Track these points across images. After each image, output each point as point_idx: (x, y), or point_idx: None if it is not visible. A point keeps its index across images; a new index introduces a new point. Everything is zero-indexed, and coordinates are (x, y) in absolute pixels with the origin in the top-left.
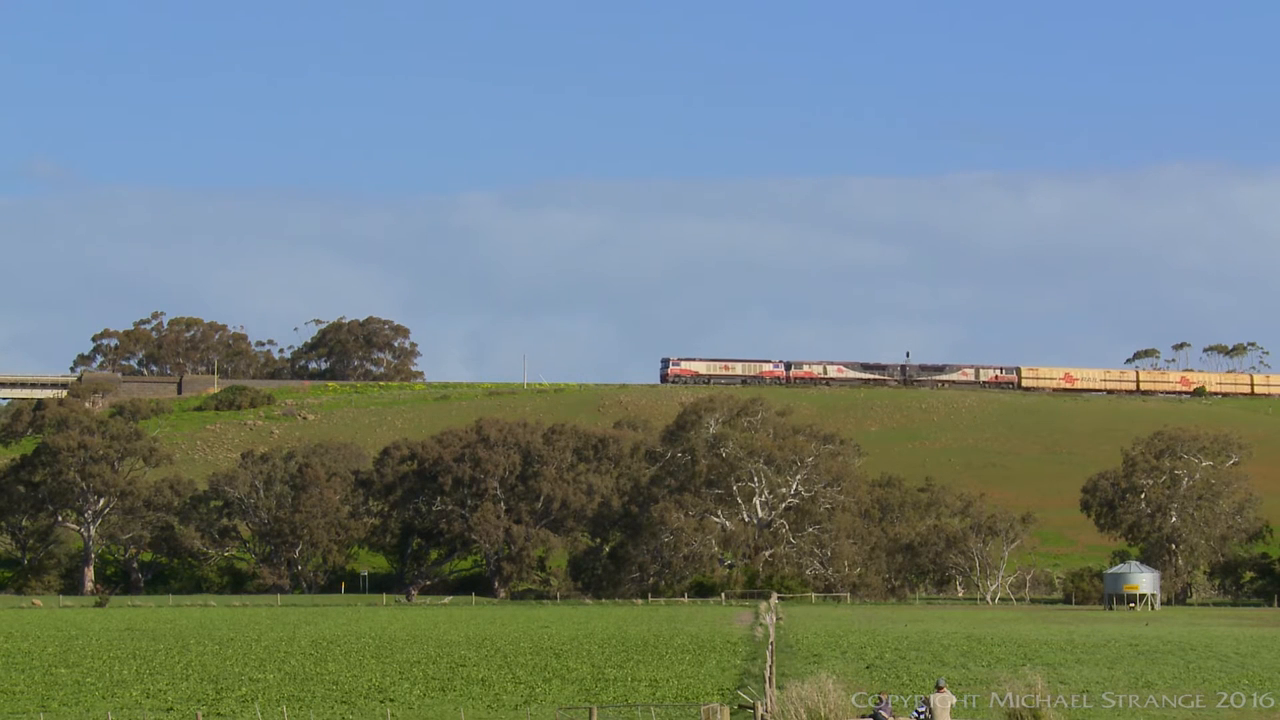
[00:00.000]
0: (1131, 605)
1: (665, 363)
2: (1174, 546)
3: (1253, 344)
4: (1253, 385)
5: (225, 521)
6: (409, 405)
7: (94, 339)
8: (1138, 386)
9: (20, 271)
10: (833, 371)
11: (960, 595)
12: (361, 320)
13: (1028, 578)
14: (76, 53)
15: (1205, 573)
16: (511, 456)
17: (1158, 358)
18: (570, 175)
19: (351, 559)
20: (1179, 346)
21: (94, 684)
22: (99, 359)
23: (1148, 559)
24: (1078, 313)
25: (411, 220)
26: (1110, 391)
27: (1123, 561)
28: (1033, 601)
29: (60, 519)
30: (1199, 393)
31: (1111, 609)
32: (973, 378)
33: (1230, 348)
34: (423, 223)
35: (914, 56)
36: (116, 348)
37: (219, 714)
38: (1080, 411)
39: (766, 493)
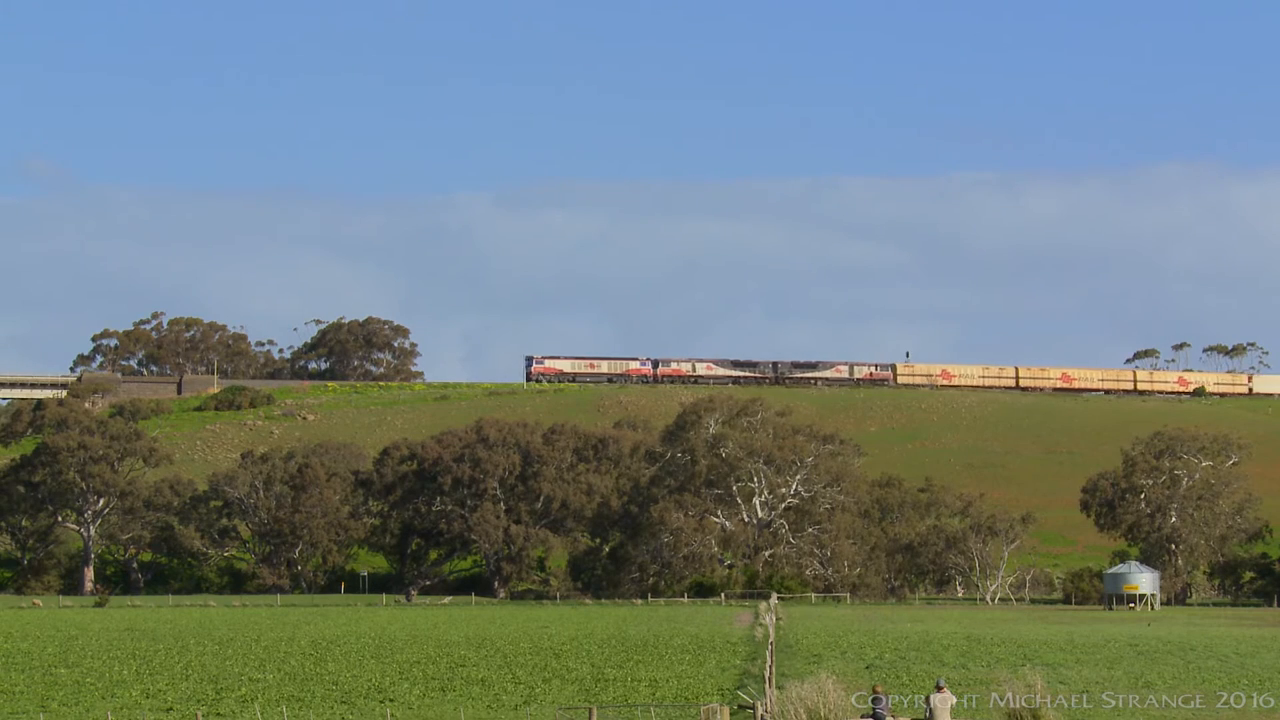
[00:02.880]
0: (1131, 605)
1: (529, 361)
2: (1174, 546)
3: (1252, 344)
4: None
5: (225, 522)
6: (409, 405)
7: (94, 339)
8: (1025, 382)
9: (19, 272)
10: (701, 369)
11: (960, 595)
12: (361, 320)
13: (1027, 578)
14: (73, 53)
15: (1205, 573)
16: (511, 457)
17: (1158, 358)
18: (566, 175)
19: (351, 559)
20: (1179, 347)
21: (94, 684)
22: (99, 359)
23: (1147, 559)
24: (1075, 313)
25: (408, 220)
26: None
27: (1122, 562)
28: (1032, 602)
29: (60, 519)
30: (1198, 393)
31: (1111, 609)
32: (846, 375)
33: (1230, 348)
34: (419, 223)
35: (910, 57)
36: (116, 348)
37: (219, 714)
38: (1080, 412)
39: (766, 493)
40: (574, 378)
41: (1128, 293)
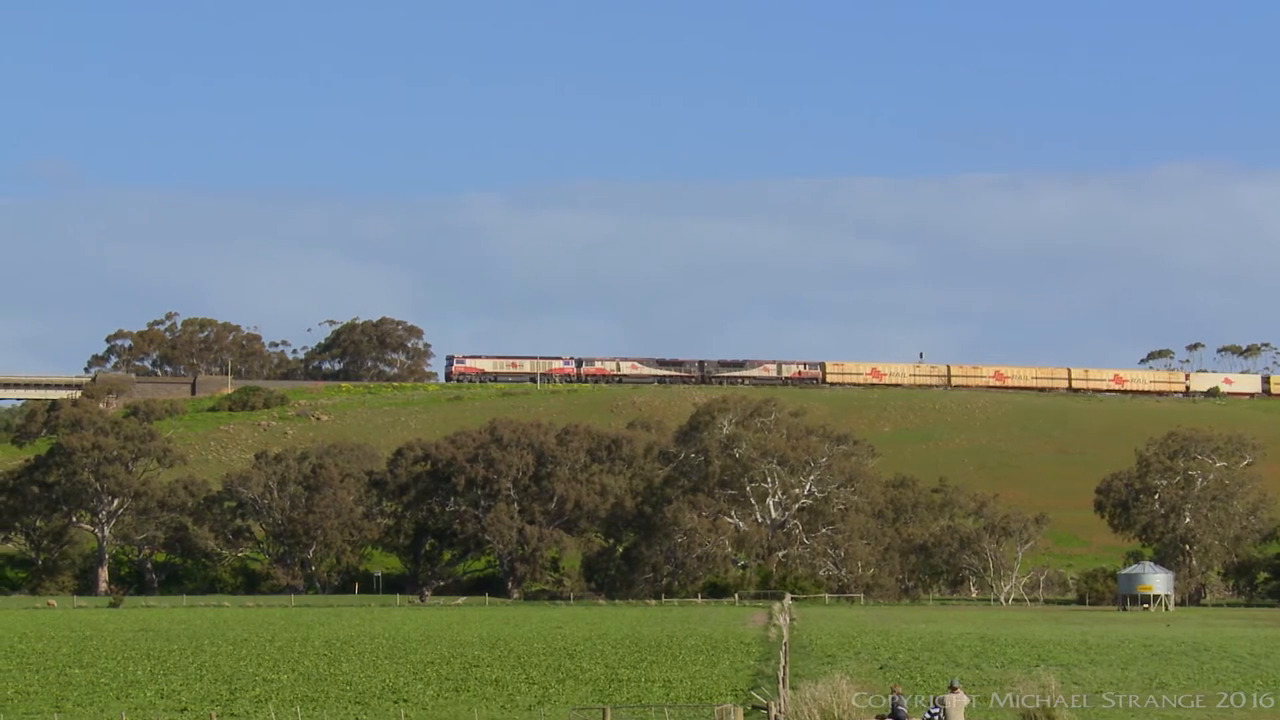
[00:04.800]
0: (1145, 606)
1: (450, 360)
2: (1188, 547)
3: (1267, 344)
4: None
5: (239, 522)
6: (422, 406)
7: (107, 340)
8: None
9: (32, 272)
10: (626, 368)
11: (974, 596)
12: (375, 321)
13: (1041, 578)
14: (84, 53)
15: (1219, 573)
16: (525, 457)
17: (1172, 358)
18: (577, 176)
19: (365, 559)
20: (1193, 347)
21: (108, 684)
22: (113, 360)
23: (1161, 560)
24: (1085, 313)
25: (418, 221)
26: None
27: (1136, 562)
28: (1046, 602)
29: (74, 519)
30: (1213, 393)
31: (1125, 610)
32: (774, 373)
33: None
34: (429, 223)
35: (919, 58)
36: (130, 348)
37: (233, 714)
38: (1094, 412)
39: (780, 493)
40: (495, 377)
41: (1137, 293)
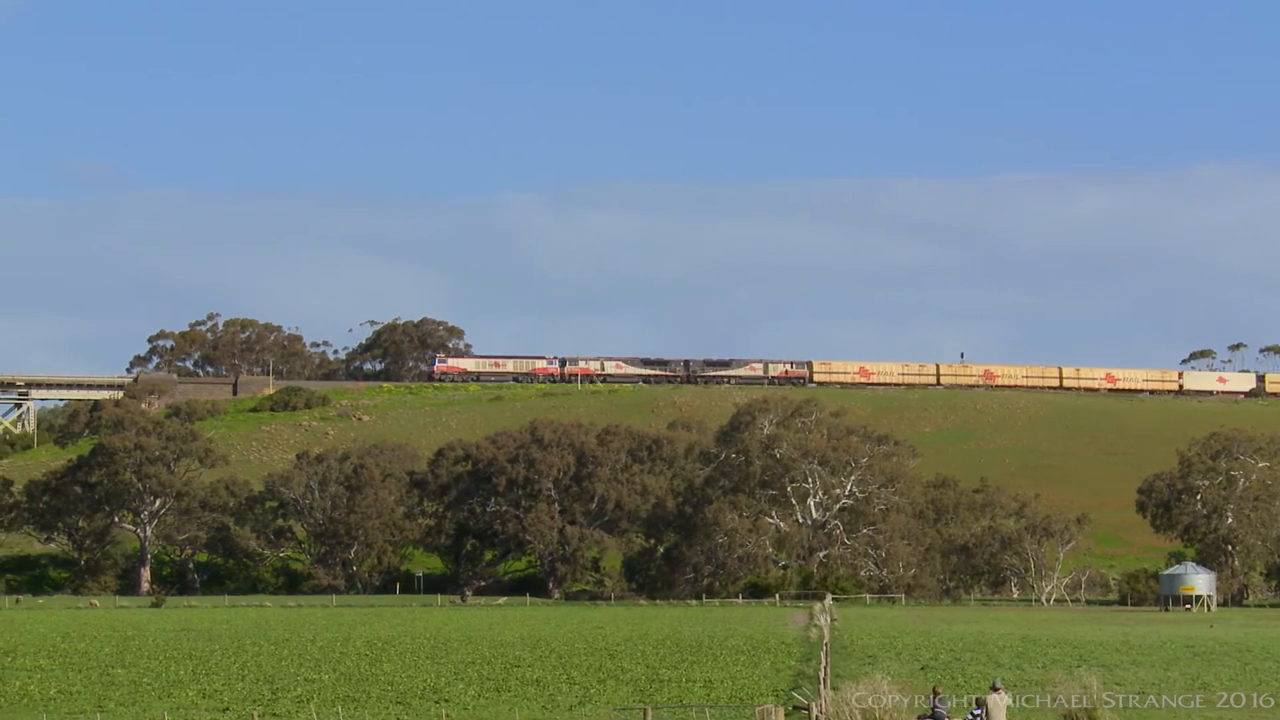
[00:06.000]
0: (1187, 606)
1: (433, 359)
2: (1230, 548)
3: None
4: (1264, 384)
5: (280, 522)
6: (463, 406)
7: (149, 340)
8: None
9: (74, 274)
10: (610, 368)
11: (1015, 596)
12: (416, 321)
13: (1083, 579)
14: (122, 55)
15: (1261, 574)
16: (565, 457)
17: (1214, 358)
18: (614, 177)
19: (406, 560)
20: (1235, 347)
21: (150, 684)
22: (155, 360)
23: (1203, 560)
24: (1125, 313)
25: (455, 221)
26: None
27: (1178, 563)
28: (1088, 603)
29: (116, 519)
30: (1255, 393)
31: (1167, 610)
32: (761, 373)
33: None
34: (466, 223)
35: (958, 58)
36: (172, 349)
37: (274, 714)
38: (1135, 412)
39: (821, 494)
40: (478, 377)
41: (1179, 293)
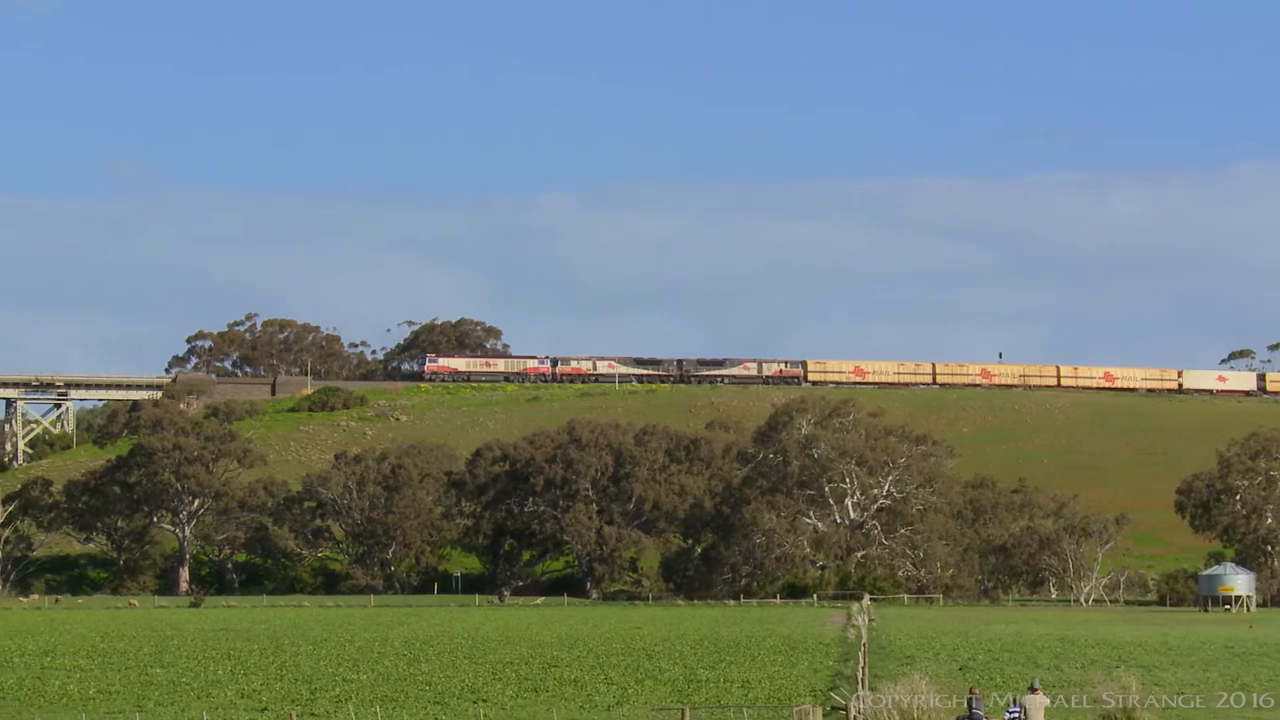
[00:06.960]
0: (1227, 607)
1: (423, 359)
2: (1270, 548)
3: None
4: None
5: (319, 522)
6: (501, 406)
7: (188, 341)
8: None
9: (113, 274)
10: (603, 367)
11: (1054, 597)
12: (454, 321)
13: (1122, 579)
14: (163, 56)
15: None
16: (603, 457)
17: (1253, 358)
18: (649, 177)
19: (444, 560)
20: (1274, 347)
21: (189, 684)
22: (193, 361)
23: (1243, 560)
24: (1164, 313)
25: (493, 221)
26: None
27: (1218, 563)
28: (1127, 603)
29: (155, 520)
30: (1258, 392)
31: (1206, 611)
32: (755, 372)
33: None
34: (502, 223)
35: (995, 57)
36: (210, 349)
37: (313, 714)
38: (1175, 412)
39: (858, 494)
40: (468, 377)
41: (1217, 293)
